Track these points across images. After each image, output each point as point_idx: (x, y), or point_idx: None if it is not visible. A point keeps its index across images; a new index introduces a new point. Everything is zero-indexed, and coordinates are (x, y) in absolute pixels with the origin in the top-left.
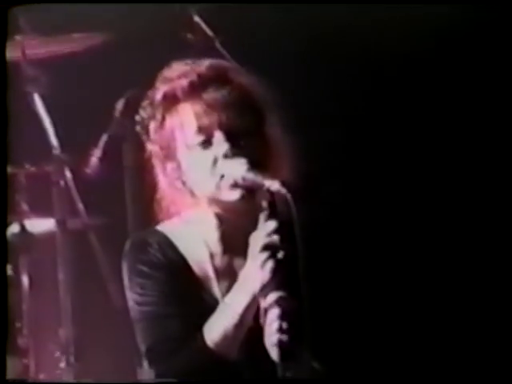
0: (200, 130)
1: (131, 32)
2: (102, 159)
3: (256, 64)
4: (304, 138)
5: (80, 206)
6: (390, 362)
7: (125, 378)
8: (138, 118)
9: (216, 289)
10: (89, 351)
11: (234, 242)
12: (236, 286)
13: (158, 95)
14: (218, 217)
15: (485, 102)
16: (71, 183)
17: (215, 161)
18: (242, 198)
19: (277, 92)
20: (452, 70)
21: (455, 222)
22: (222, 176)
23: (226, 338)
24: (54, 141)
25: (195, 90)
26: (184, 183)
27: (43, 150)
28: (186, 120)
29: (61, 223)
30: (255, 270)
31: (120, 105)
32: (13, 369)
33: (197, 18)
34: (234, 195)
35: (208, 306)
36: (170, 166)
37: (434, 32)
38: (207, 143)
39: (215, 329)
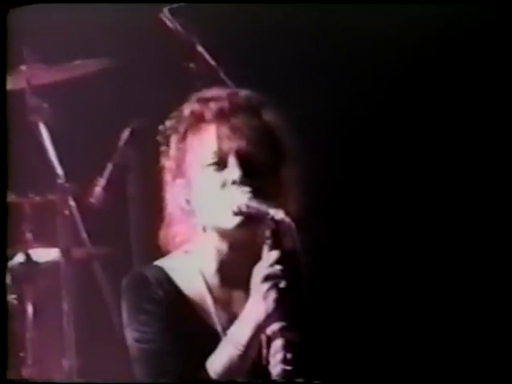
0: (218, 152)
1: (134, 60)
2: (106, 189)
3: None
4: (317, 179)
5: (84, 235)
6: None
7: None
8: (161, 127)
9: (216, 321)
10: (93, 381)
11: (232, 274)
12: (240, 318)
13: (186, 112)
14: (217, 248)
15: (484, 100)
16: (75, 212)
17: (224, 185)
18: (242, 224)
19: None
20: (452, 69)
21: (457, 228)
22: (240, 213)
23: (231, 370)
24: (58, 170)
25: (223, 114)
26: (189, 202)
27: (47, 180)
28: (207, 140)
29: (65, 252)
30: (258, 301)
31: (125, 134)
32: None
33: (200, 48)
34: (235, 221)
35: (208, 340)
36: (178, 182)
37: (436, 32)
38: (221, 166)
39: (219, 361)
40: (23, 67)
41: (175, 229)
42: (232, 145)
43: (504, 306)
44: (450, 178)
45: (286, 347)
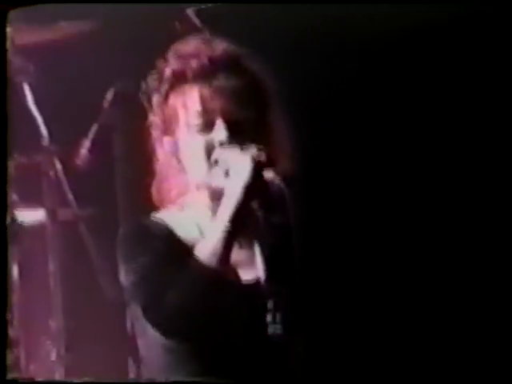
0: (202, 113)
1: (119, 20)
2: (91, 150)
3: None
4: (306, 130)
5: (70, 196)
6: (382, 356)
7: (115, 368)
8: (143, 85)
9: None
10: (80, 342)
11: None
12: (221, 203)
13: (167, 72)
14: (210, 204)
15: (484, 100)
16: (61, 174)
17: (211, 147)
18: None
19: (283, 82)
20: (450, 68)
21: (450, 218)
22: (216, 162)
23: (218, 250)
24: (43, 131)
25: (205, 74)
26: (179, 161)
27: (33, 141)
28: (190, 101)
29: (51, 214)
30: (236, 180)
31: (109, 95)
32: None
33: (189, 11)
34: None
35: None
36: (166, 139)
37: (432, 28)
38: (207, 128)
39: (206, 245)
40: (8, 28)
41: (170, 182)
42: (216, 106)
43: (503, 306)
44: (446, 170)
45: (276, 308)
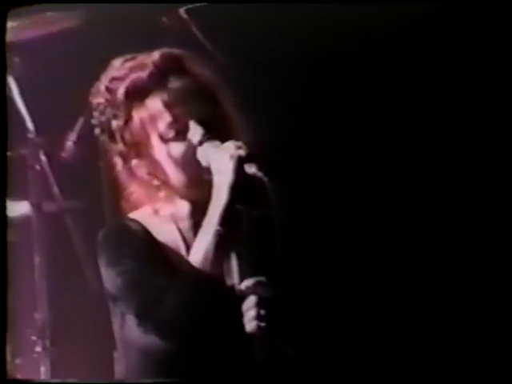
0: (173, 121)
1: (106, 14)
2: (77, 143)
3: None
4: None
5: (55, 189)
6: (364, 350)
7: (101, 361)
8: (94, 121)
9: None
10: (65, 335)
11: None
12: (209, 207)
13: (119, 94)
14: (192, 205)
15: (477, 97)
16: (47, 167)
17: (192, 150)
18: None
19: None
20: (449, 67)
21: (433, 202)
22: (200, 162)
23: (210, 254)
24: (29, 124)
25: (157, 80)
26: (158, 178)
27: (18, 134)
28: (157, 112)
29: (36, 207)
30: (224, 179)
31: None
32: None
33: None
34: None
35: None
36: (135, 162)
37: (421, 27)
38: (182, 135)
39: (197, 249)
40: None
41: (129, 189)
42: (183, 109)
43: (498, 305)
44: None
45: (260, 303)
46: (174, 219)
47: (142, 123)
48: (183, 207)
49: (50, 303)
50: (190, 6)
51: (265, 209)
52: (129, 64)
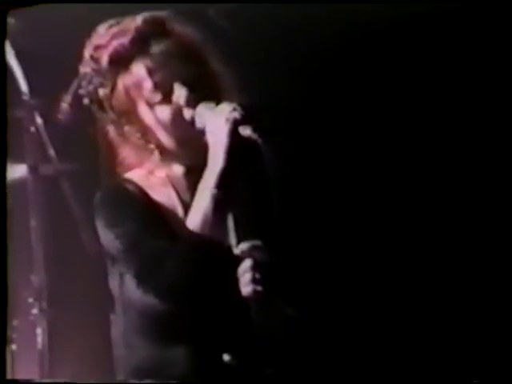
0: (157, 86)
1: None
2: (72, 105)
3: None
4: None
5: (51, 151)
6: (361, 312)
7: (97, 323)
8: (82, 91)
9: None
10: (62, 298)
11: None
12: (205, 170)
13: (103, 62)
14: (187, 166)
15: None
16: (42, 129)
17: (180, 112)
18: None
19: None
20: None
21: (425, 189)
22: (193, 122)
23: (208, 218)
24: (23, 87)
25: (139, 45)
26: (149, 141)
27: (13, 96)
28: (140, 78)
29: (32, 169)
30: (219, 142)
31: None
32: None
33: None
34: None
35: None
36: (127, 128)
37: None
38: (167, 98)
39: (195, 213)
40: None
41: (122, 154)
42: (166, 73)
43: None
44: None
45: (255, 267)
46: (170, 180)
47: (127, 90)
48: (178, 169)
49: (46, 266)
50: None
51: (261, 171)
52: (112, 30)
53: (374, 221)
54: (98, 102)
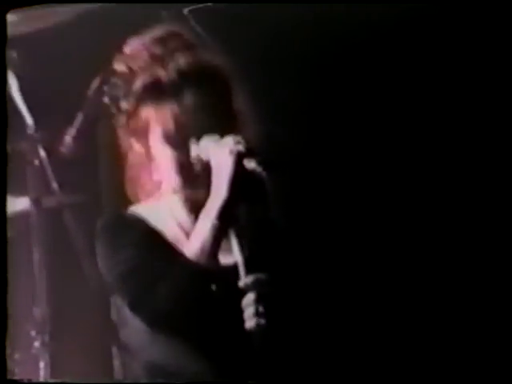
0: (176, 131)
1: (105, 10)
2: (76, 138)
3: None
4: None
5: (55, 184)
6: (364, 346)
7: (100, 356)
8: (106, 89)
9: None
10: (64, 330)
11: (199, 206)
12: (208, 201)
13: (137, 84)
14: (190, 202)
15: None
16: (46, 162)
17: (184, 161)
18: None
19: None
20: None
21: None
22: (198, 157)
23: (206, 246)
24: (28, 120)
25: (173, 90)
26: (150, 161)
27: (17, 129)
28: (162, 120)
29: (35, 202)
30: (223, 174)
31: (95, 84)
32: None
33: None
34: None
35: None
36: (136, 143)
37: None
38: (180, 144)
39: (194, 242)
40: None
41: (142, 179)
42: (189, 124)
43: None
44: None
45: (258, 300)
46: (173, 214)
47: (147, 120)
48: (179, 198)
49: (48, 298)
50: (193, 6)
51: (264, 204)
52: (153, 53)
53: (375, 256)
54: (118, 109)
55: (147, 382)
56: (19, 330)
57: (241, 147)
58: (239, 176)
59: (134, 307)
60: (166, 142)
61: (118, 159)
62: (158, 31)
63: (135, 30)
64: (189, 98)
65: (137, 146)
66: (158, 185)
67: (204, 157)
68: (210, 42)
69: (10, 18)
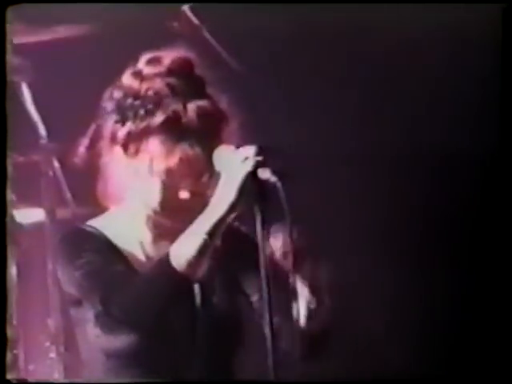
0: (174, 179)
1: (118, 21)
2: (89, 148)
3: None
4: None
5: (68, 195)
6: None
7: None
8: (128, 90)
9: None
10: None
11: (166, 231)
12: (206, 210)
13: (157, 120)
14: (149, 214)
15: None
16: (59, 173)
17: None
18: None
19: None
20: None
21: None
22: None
23: (193, 260)
24: (41, 130)
25: (185, 136)
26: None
27: (31, 140)
28: (169, 161)
29: (49, 213)
30: (226, 191)
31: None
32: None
33: (184, 7)
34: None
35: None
36: (116, 149)
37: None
38: (171, 188)
39: (181, 253)
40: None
41: (111, 182)
42: (189, 181)
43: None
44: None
45: None
46: (135, 232)
47: (149, 133)
48: (145, 227)
49: (62, 309)
50: (201, 10)
51: (278, 214)
52: (168, 83)
53: (394, 272)
54: (123, 115)
55: (148, 382)
56: (34, 340)
57: (255, 157)
58: (251, 185)
59: (106, 305)
60: (162, 179)
61: None
62: (169, 58)
63: (148, 42)
64: (198, 142)
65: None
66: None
67: (218, 167)
68: (221, 49)
69: (20, 25)
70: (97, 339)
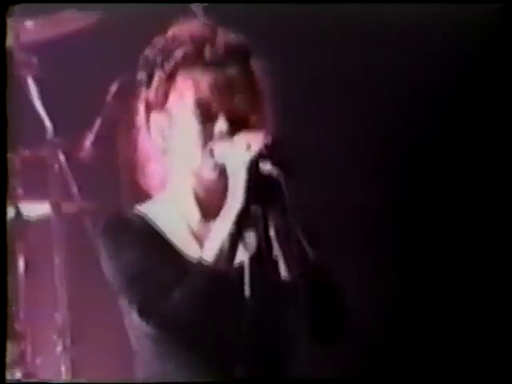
0: (208, 102)
1: (124, 14)
2: (95, 143)
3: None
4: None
5: (74, 189)
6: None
7: (121, 360)
8: (145, 57)
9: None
10: (85, 335)
11: (211, 210)
12: (224, 206)
13: (178, 53)
14: (195, 190)
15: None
16: (65, 167)
17: (208, 136)
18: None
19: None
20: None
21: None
22: (211, 153)
23: (225, 252)
24: (48, 125)
25: (218, 62)
26: (164, 140)
27: (37, 135)
28: (199, 88)
29: (56, 207)
30: (240, 181)
31: (113, 88)
32: (10, 353)
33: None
34: (215, 174)
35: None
36: (154, 116)
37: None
38: (207, 120)
39: (212, 246)
40: (11, 20)
41: (151, 169)
42: (223, 99)
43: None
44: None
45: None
46: (184, 217)
47: (181, 87)
48: (192, 205)
49: (69, 303)
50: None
51: (281, 206)
52: (200, 30)
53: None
54: (150, 76)
55: (152, 383)
56: (41, 334)
57: (255, 149)
58: (254, 180)
59: (144, 312)
60: (197, 113)
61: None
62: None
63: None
64: (230, 71)
65: (152, 119)
66: (167, 175)
67: (220, 159)
68: None
69: (27, 22)
70: (143, 325)
